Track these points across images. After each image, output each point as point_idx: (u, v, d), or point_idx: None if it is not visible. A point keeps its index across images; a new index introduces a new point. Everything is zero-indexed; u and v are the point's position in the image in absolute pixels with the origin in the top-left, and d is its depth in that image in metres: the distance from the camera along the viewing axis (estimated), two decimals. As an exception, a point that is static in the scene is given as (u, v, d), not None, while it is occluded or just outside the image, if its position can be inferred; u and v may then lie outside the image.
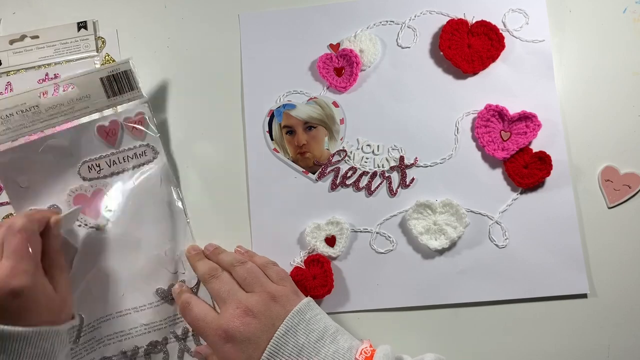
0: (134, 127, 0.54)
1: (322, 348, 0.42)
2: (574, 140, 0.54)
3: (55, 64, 0.58)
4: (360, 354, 0.43)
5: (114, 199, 0.53)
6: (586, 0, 0.56)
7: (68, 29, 0.58)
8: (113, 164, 0.54)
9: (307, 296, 0.52)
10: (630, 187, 0.52)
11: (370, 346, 0.44)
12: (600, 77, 0.55)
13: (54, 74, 0.58)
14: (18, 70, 0.58)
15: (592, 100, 0.54)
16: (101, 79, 0.52)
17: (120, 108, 0.54)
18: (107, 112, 0.54)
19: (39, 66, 0.58)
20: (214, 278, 0.49)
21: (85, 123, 0.53)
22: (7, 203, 0.56)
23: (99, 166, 0.54)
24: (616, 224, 0.53)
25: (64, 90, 0.52)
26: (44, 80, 0.58)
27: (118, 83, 0.53)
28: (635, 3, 0.56)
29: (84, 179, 0.53)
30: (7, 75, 0.58)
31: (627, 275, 0.52)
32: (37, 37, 0.58)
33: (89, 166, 0.53)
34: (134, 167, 0.54)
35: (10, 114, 0.51)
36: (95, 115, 0.53)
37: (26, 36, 0.58)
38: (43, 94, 0.52)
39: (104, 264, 0.52)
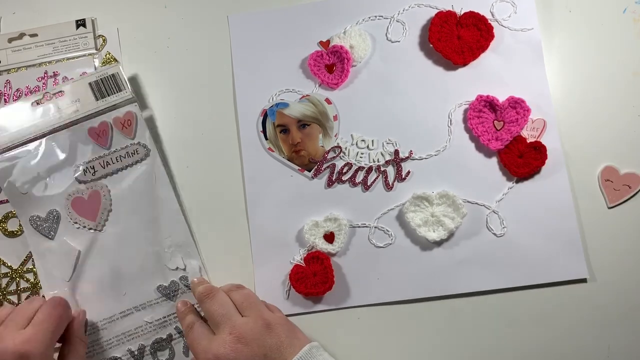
0: (123, 126, 0.55)
1: None
2: (574, 140, 0.54)
3: (55, 61, 0.58)
4: None
5: (110, 200, 0.54)
6: (586, 0, 0.56)
7: (67, 27, 0.58)
8: (107, 165, 0.55)
9: (307, 293, 0.52)
10: (630, 187, 0.53)
11: None
12: (600, 77, 0.55)
13: (53, 72, 0.58)
14: (18, 68, 0.58)
15: (592, 100, 0.55)
16: (89, 83, 0.54)
17: (109, 108, 0.56)
18: (96, 112, 0.55)
19: (39, 64, 0.58)
20: (209, 298, 0.49)
21: (76, 127, 0.55)
22: (6, 201, 0.56)
23: (94, 168, 0.54)
24: (616, 224, 0.53)
25: (56, 97, 0.55)
26: (43, 78, 0.58)
27: (106, 85, 0.54)
28: (635, 3, 0.56)
29: (80, 182, 0.54)
30: (8, 74, 0.58)
31: (627, 273, 0.52)
32: (35, 35, 0.58)
33: (84, 169, 0.54)
34: (127, 167, 0.55)
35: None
36: (86, 118, 0.55)
37: (25, 34, 0.58)
38: (36, 103, 0.55)
39: (105, 265, 0.53)
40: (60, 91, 0.55)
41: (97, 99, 0.54)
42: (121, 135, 0.55)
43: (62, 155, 0.54)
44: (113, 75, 0.54)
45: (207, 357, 0.45)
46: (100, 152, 0.55)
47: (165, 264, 0.54)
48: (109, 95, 0.54)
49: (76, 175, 0.54)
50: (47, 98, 0.54)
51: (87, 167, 0.54)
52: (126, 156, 0.55)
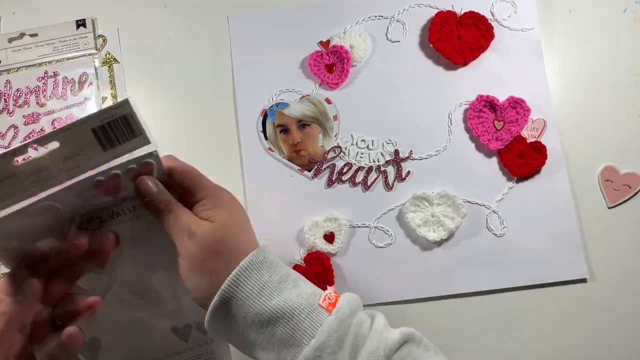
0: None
1: (284, 290, 0.39)
2: (574, 140, 0.54)
3: (56, 61, 0.58)
4: (324, 299, 0.40)
5: (120, 248, 0.44)
6: (586, 0, 0.56)
7: (67, 27, 0.59)
8: (117, 215, 0.43)
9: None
10: (630, 187, 0.53)
11: (335, 292, 0.41)
12: (600, 77, 0.55)
13: (53, 72, 0.58)
14: (18, 68, 0.58)
15: (592, 100, 0.55)
16: (93, 130, 0.37)
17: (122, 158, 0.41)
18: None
19: (39, 64, 0.58)
20: None
21: (78, 182, 0.39)
22: None
23: (100, 218, 0.42)
24: (616, 224, 0.53)
25: (46, 148, 0.37)
26: (43, 78, 0.58)
27: (116, 131, 0.38)
28: (635, 3, 0.56)
29: (83, 229, 0.42)
30: (8, 74, 0.58)
31: (627, 273, 0.52)
32: (35, 35, 0.59)
33: (87, 218, 0.42)
34: (140, 217, 0.43)
35: None
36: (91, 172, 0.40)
37: (25, 34, 0.59)
38: (15, 161, 0.35)
39: (120, 316, 0.46)
40: (53, 141, 0.36)
41: (105, 149, 0.38)
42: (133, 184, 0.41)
43: (61, 212, 0.40)
44: (124, 116, 0.38)
45: (218, 185, 0.43)
46: (108, 202, 0.42)
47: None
48: (120, 144, 0.38)
49: (79, 226, 0.42)
50: (33, 150, 0.36)
51: (92, 217, 0.42)
52: (141, 208, 0.43)
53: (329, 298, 0.40)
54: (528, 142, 0.53)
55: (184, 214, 0.40)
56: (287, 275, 0.41)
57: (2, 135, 0.58)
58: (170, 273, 0.45)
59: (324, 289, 0.51)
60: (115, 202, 0.42)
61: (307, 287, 0.41)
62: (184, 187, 0.42)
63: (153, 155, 0.40)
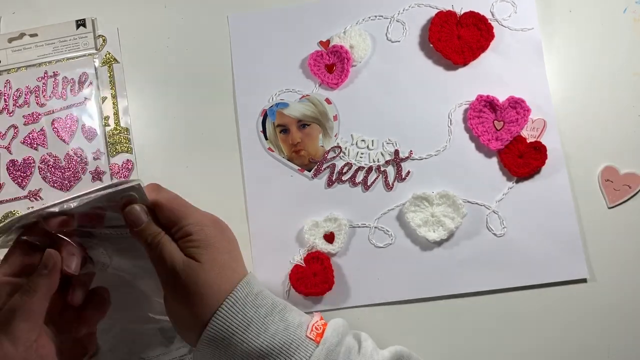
0: (122, 209, 0.41)
1: (271, 324, 0.39)
2: (574, 140, 0.54)
3: (55, 61, 0.58)
4: (311, 330, 0.40)
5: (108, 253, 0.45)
6: (586, 0, 0.56)
7: (67, 27, 0.59)
8: (103, 237, 0.44)
9: (307, 294, 0.52)
10: (630, 187, 0.53)
11: (321, 319, 0.41)
12: (600, 77, 0.55)
13: (53, 72, 0.58)
14: (18, 68, 0.58)
15: (592, 100, 0.55)
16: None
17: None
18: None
19: (39, 64, 0.58)
20: None
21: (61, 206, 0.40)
22: (7, 201, 0.56)
23: (89, 235, 0.43)
24: (616, 224, 0.53)
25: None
26: (43, 78, 0.58)
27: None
28: (635, 3, 0.56)
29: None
30: (8, 74, 0.58)
31: (627, 273, 0.52)
32: (35, 35, 0.59)
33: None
34: (123, 244, 0.44)
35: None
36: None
37: (25, 34, 0.59)
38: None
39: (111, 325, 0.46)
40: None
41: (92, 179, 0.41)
42: (119, 214, 0.41)
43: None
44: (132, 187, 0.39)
45: (206, 216, 0.42)
46: (92, 228, 0.42)
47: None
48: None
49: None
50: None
51: (78, 231, 0.42)
52: (126, 235, 0.43)
53: (316, 328, 0.40)
54: (528, 142, 0.53)
55: (170, 249, 0.40)
56: (273, 307, 0.40)
57: (2, 136, 0.58)
58: (155, 281, 0.44)
59: (324, 289, 0.52)
60: (101, 227, 0.42)
61: (293, 318, 0.40)
62: (170, 221, 0.41)
63: (135, 188, 0.40)
